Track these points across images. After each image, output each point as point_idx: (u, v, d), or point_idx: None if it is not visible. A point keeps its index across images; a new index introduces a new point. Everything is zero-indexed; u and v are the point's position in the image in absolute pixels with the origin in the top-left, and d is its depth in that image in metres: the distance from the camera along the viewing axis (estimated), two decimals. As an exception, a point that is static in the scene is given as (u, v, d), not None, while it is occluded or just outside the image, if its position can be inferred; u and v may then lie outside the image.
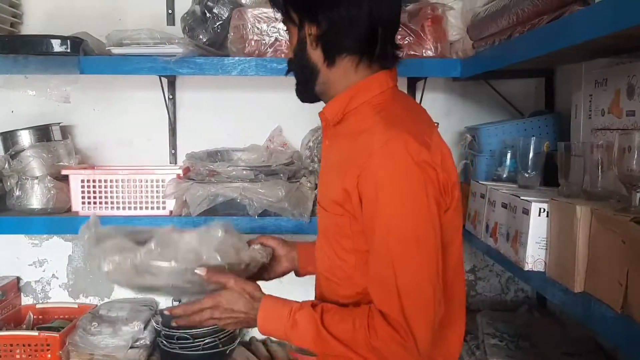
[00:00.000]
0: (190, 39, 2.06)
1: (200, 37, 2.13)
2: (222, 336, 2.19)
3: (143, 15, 2.35)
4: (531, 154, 1.74)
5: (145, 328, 2.22)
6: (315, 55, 1.27)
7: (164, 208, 2.16)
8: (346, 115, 1.27)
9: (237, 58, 2.01)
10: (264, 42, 2.04)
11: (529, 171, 1.74)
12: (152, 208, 2.16)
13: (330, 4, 1.22)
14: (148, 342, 2.20)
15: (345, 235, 1.23)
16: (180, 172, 2.18)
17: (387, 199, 1.13)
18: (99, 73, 2.04)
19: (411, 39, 2.02)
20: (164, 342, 2.16)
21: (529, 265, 1.43)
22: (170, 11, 2.38)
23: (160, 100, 2.39)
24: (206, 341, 2.13)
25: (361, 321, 1.17)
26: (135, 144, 2.44)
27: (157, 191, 2.16)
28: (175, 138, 2.44)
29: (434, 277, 1.15)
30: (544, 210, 1.39)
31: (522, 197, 1.48)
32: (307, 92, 1.35)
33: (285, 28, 1.35)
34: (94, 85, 2.36)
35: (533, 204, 1.41)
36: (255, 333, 2.47)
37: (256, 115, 2.39)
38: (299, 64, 1.32)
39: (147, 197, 2.16)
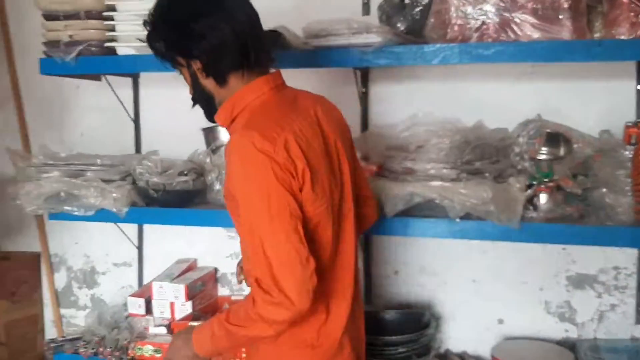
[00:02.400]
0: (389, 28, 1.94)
1: (398, 25, 2.00)
2: (415, 346, 2.04)
3: (338, 6, 2.27)
4: None
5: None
6: (209, 83, 1.50)
7: (356, 206, 2.07)
8: (235, 119, 1.49)
9: (438, 45, 1.85)
10: (468, 26, 1.85)
11: None
12: (345, 206, 2.08)
13: (198, 38, 1.43)
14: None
15: (238, 214, 1.45)
16: (372, 168, 2.07)
17: (240, 181, 1.38)
18: (295, 67, 2.00)
19: (649, 14, 1.69)
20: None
21: None
22: (365, 0, 2.28)
23: (352, 94, 2.31)
24: (399, 350, 2.00)
25: (247, 301, 1.39)
26: (328, 139, 2.39)
27: (349, 189, 2.07)
28: (367, 134, 2.34)
29: (294, 239, 1.35)
30: None
31: None
32: (213, 115, 1.57)
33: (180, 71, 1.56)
34: (288, 80, 2.34)
35: None
36: (450, 345, 2.29)
37: (456, 107, 2.18)
38: (199, 96, 1.55)
39: (339, 194, 2.09)
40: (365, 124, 2.33)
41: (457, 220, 1.84)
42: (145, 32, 1.53)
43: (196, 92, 1.55)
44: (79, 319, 2.80)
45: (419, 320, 2.17)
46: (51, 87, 2.72)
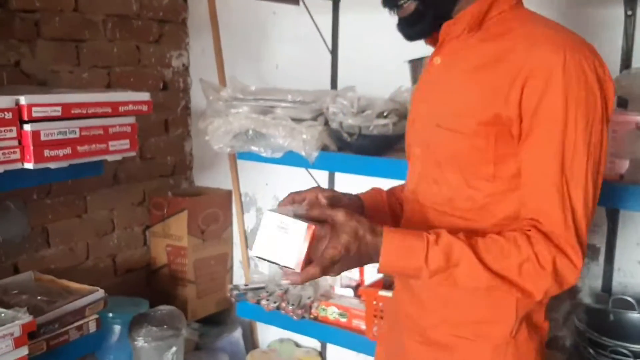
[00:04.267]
0: None
1: None
2: (680, 364, 1.51)
3: None
4: None
5: (564, 323, 1.69)
6: None
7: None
8: (485, 24, 1.15)
9: None
10: None
11: None
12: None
13: None
14: (567, 344, 1.67)
15: (486, 160, 1.12)
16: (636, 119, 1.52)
17: (560, 103, 1.05)
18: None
19: None
20: (590, 349, 1.60)
21: None
22: None
23: (613, 18, 1.74)
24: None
25: (514, 240, 1.06)
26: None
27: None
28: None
29: (597, 191, 1.10)
30: None
31: None
32: (418, 31, 1.18)
33: None
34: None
35: None
36: None
37: None
38: None
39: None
40: (628, 58, 1.74)
41: None
42: None
43: None
44: (265, 264, 2.66)
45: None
46: (246, 13, 2.53)
